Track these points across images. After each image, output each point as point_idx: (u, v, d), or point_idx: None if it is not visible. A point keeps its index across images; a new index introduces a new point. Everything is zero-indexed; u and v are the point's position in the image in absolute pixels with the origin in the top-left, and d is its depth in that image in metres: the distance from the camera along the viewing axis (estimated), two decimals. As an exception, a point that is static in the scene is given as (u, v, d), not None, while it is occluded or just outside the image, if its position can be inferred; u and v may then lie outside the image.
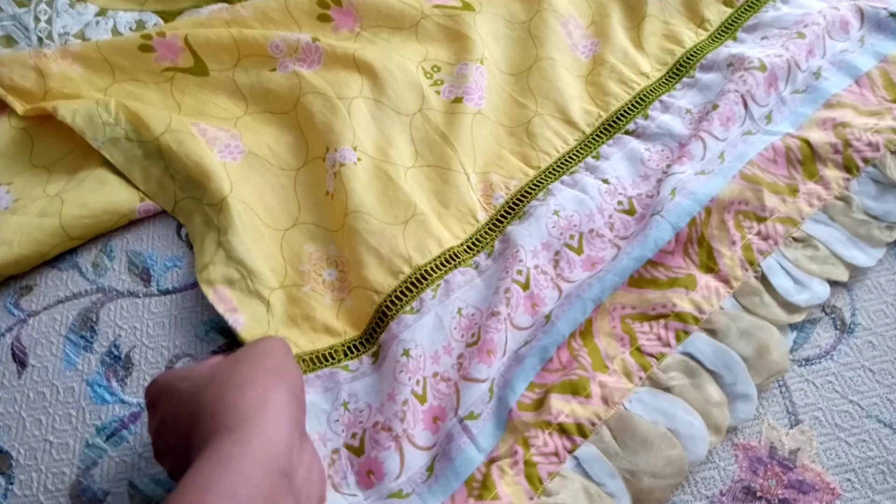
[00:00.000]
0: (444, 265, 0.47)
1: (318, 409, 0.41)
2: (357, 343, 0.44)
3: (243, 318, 0.44)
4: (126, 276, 0.49)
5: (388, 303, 0.45)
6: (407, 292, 0.45)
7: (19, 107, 0.54)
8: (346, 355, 0.44)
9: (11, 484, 0.41)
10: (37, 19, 0.59)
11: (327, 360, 0.43)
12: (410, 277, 0.46)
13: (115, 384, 0.45)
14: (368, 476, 0.39)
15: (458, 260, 0.47)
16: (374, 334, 0.44)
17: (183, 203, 0.50)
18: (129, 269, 0.49)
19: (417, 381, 0.42)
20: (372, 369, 0.43)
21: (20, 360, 0.46)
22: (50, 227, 0.48)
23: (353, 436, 0.41)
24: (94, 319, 0.47)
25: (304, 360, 0.43)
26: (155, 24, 0.61)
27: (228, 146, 0.51)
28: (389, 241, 0.47)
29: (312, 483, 0.32)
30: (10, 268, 0.48)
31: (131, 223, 0.51)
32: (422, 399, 0.41)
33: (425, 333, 0.43)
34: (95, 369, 0.45)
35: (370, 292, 0.45)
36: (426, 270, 0.46)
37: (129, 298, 0.48)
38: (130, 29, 0.61)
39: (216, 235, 0.47)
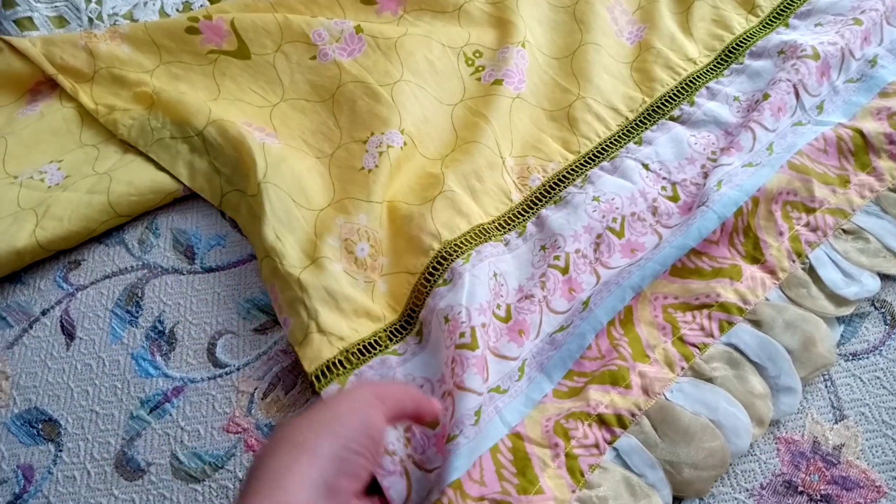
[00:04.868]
0: (473, 239, 0.46)
1: None
2: (398, 326, 0.44)
3: (290, 321, 0.44)
4: (171, 253, 0.50)
5: (423, 280, 0.44)
6: (438, 266, 0.45)
7: (69, 86, 0.55)
8: (391, 339, 0.44)
9: (60, 451, 0.42)
10: (87, 0, 0.60)
11: (375, 349, 0.43)
12: (441, 252, 0.45)
13: (158, 358, 0.46)
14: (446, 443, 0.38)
15: (487, 235, 0.47)
16: (413, 315, 0.44)
17: (230, 196, 0.51)
18: (174, 246, 0.50)
19: (462, 334, 0.40)
20: (419, 348, 0.43)
21: (69, 333, 0.47)
22: (98, 203, 0.49)
23: None
24: (140, 295, 0.48)
25: (353, 355, 0.42)
26: (201, 6, 0.61)
27: (265, 139, 0.52)
28: (418, 222, 0.47)
29: None
30: (60, 243, 0.49)
31: (176, 201, 0.52)
32: (472, 346, 0.40)
33: (462, 296, 0.42)
34: (140, 343, 0.46)
35: (404, 275, 0.46)
36: (456, 244, 0.46)
37: (173, 275, 0.49)
38: (177, 10, 0.62)
39: (259, 227, 0.47)
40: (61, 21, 0.60)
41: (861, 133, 0.48)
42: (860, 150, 0.48)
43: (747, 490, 0.38)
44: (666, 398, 0.39)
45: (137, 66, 0.56)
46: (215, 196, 0.51)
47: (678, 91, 0.54)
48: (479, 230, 0.47)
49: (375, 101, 0.52)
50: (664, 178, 0.49)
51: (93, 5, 0.60)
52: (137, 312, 0.47)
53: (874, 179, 0.47)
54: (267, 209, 0.47)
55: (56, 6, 0.60)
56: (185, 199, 0.52)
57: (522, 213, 0.49)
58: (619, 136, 0.52)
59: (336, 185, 0.51)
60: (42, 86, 0.57)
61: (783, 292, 0.43)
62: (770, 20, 0.57)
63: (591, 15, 0.57)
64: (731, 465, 0.39)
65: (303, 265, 0.45)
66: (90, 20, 0.60)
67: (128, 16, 0.61)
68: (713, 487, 0.39)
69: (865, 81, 0.51)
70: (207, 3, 0.61)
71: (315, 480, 0.29)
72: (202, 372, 0.45)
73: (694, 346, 0.41)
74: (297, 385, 0.44)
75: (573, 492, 0.37)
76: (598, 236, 0.46)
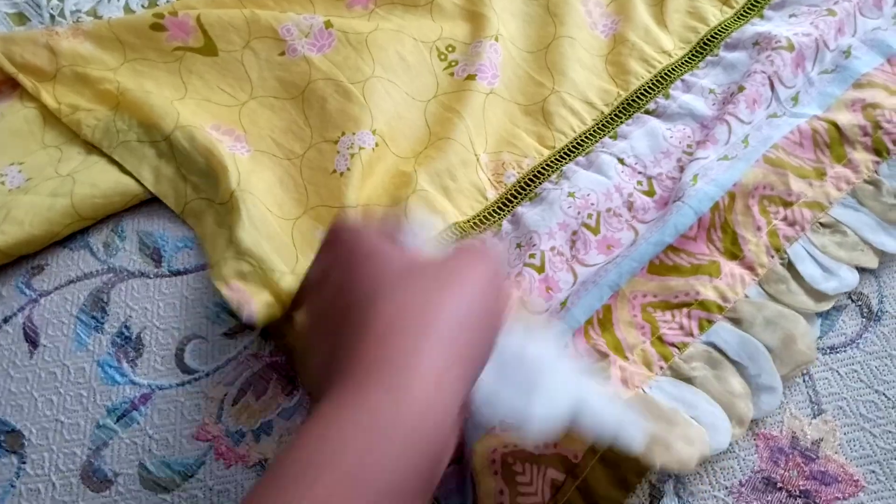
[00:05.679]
0: (448, 238, 0.46)
1: None
2: None
3: (255, 307, 0.42)
4: (137, 256, 0.49)
5: None
6: None
7: (30, 85, 0.53)
8: None
9: (24, 463, 0.41)
10: (48, -4, 0.59)
11: None
12: None
13: (125, 365, 0.44)
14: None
15: (463, 234, 0.46)
16: None
17: (193, 204, 0.49)
18: (140, 249, 0.49)
19: None
20: None
21: (32, 340, 0.46)
22: (61, 206, 0.48)
23: None
24: (105, 300, 0.47)
25: None
26: (167, 1, 0.60)
27: (234, 146, 0.50)
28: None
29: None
30: (21, 247, 0.47)
31: (142, 203, 0.51)
32: None
33: None
34: (106, 350, 0.45)
35: None
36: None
37: (139, 279, 0.48)
38: (142, 6, 0.60)
39: (227, 234, 0.46)
40: (21, 18, 0.58)
41: (836, 125, 0.47)
42: (835, 142, 0.47)
43: (726, 487, 0.38)
44: (644, 392, 0.39)
45: (101, 63, 0.54)
46: (178, 203, 0.50)
47: (653, 84, 0.53)
48: (455, 229, 0.46)
49: (346, 100, 0.51)
50: (640, 173, 0.49)
51: (54, 2, 0.59)
52: (103, 318, 0.46)
53: (850, 171, 0.46)
54: (243, 214, 0.45)
55: (15, 3, 0.58)
56: (152, 201, 0.51)
57: (498, 211, 0.48)
58: (594, 131, 0.51)
59: (309, 188, 0.49)
60: (2, 86, 0.55)
61: (763, 288, 0.43)
62: (745, 11, 0.56)
63: (564, 7, 0.56)
64: (709, 462, 0.39)
65: (282, 272, 0.44)
66: (52, 17, 0.58)
67: (91, 12, 0.59)
68: (692, 486, 0.38)
69: (840, 73, 0.51)
70: (173, -1, 0.60)
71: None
72: (170, 378, 0.44)
73: (673, 345, 0.41)
74: (268, 390, 0.43)
75: None
76: (574, 233, 0.46)
